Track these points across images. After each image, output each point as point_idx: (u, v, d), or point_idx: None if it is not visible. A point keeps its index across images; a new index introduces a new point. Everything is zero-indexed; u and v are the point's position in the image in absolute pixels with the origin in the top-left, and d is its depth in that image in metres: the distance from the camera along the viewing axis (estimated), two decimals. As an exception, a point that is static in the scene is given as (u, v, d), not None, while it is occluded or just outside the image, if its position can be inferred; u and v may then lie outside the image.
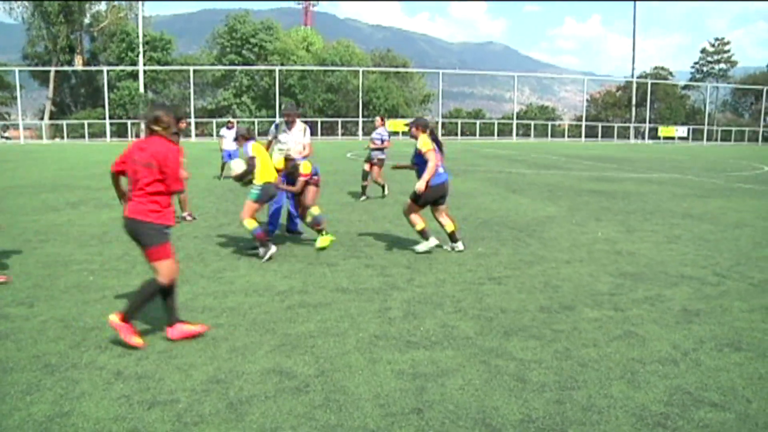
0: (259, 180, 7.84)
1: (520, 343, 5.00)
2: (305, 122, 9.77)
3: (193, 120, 67.77)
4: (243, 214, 7.89)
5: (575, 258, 8.03)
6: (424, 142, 8.07)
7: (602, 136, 70.72)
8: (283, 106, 9.37)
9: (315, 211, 8.61)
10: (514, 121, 72.69)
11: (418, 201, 8.16)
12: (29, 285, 6.70)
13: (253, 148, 7.92)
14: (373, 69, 75.64)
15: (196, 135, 68.34)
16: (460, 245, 8.38)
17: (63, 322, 5.45)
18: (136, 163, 4.87)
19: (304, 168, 8.54)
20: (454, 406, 3.94)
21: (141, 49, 68.44)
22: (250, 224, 7.85)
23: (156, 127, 4.93)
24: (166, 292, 5.07)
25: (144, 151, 4.87)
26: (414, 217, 8.25)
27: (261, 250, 7.89)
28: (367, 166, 14.57)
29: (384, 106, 70.34)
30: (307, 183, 8.66)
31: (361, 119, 69.71)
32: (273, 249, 7.90)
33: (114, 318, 4.91)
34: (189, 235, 9.53)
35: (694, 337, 5.21)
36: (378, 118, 15.26)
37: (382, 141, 14.59)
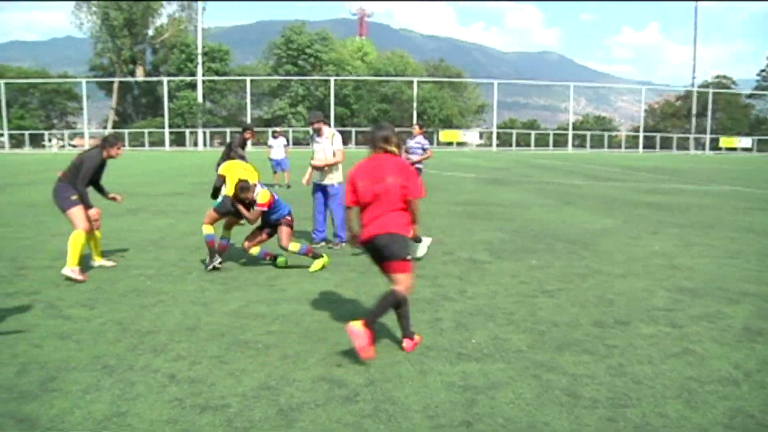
0: (227, 192, 8.00)
1: (572, 358, 4.91)
2: (341, 131, 9.90)
3: (249, 129, 69.16)
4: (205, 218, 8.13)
5: (630, 272, 7.85)
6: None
7: (660, 147, 69.11)
8: (310, 114, 9.42)
9: (294, 248, 7.88)
10: (570, 132, 71.73)
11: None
12: (91, 288, 6.93)
13: (223, 167, 8.24)
14: (428, 79, 75.79)
15: (252, 144, 69.45)
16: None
17: (121, 325, 5.61)
18: (375, 187, 5.00)
19: (261, 197, 7.83)
20: (504, 420, 3.89)
21: (200, 60, 70.28)
22: (206, 229, 7.94)
23: (386, 146, 5.17)
24: (399, 304, 5.05)
25: (380, 171, 5.03)
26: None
27: (207, 259, 7.89)
28: None
29: (438, 116, 70.37)
30: (279, 223, 7.98)
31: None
32: (217, 260, 7.79)
33: (356, 325, 4.77)
34: (241, 243, 9.69)
35: (758, 357, 5.00)
36: (416, 126, 13.90)
37: (424, 150, 13.47)
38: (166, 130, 65.88)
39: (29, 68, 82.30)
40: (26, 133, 68.60)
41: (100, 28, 73.58)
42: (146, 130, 67.76)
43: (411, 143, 13.41)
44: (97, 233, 8.16)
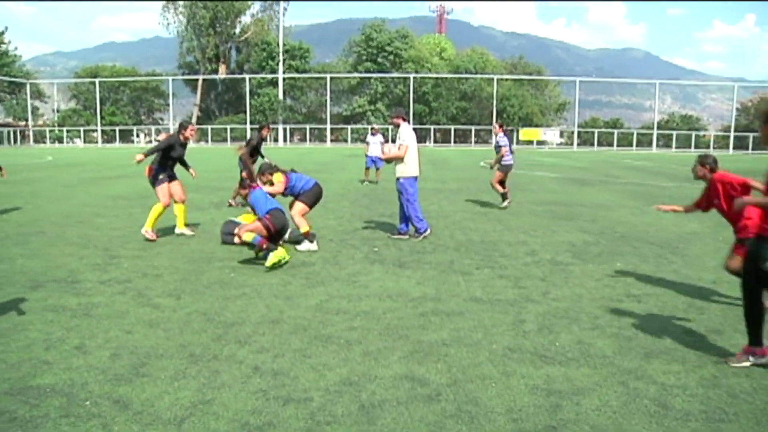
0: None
1: (661, 366, 4.72)
2: (419, 128, 10.13)
3: (328, 126, 70.04)
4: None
5: (722, 278, 7.49)
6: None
7: (753, 148, 65.83)
8: (394, 112, 9.53)
9: (248, 237, 7.91)
10: (655, 131, 69.28)
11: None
12: (177, 278, 7.17)
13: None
14: (508, 76, 74.74)
15: (331, 141, 70.39)
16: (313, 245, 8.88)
17: (206, 315, 5.78)
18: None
19: (245, 219, 9.03)
20: (590, 427, 3.78)
21: (281, 58, 71.76)
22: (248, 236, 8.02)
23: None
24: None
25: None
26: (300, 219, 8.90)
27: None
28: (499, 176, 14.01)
29: (518, 115, 69.23)
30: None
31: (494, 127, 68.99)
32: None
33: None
34: (324, 238, 9.82)
35: None
36: (496, 125, 14.31)
37: (500, 147, 13.90)
38: (248, 126, 67.51)
39: (121, 67, 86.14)
40: (117, 128, 71.75)
41: (186, 28, 76.17)
42: (228, 126, 69.71)
43: (498, 140, 14.06)
44: (182, 206, 10.00)
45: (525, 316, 5.85)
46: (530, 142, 68.78)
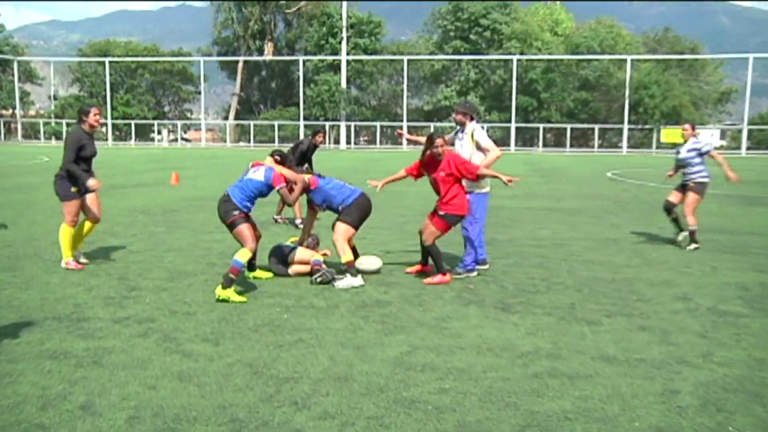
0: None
1: None
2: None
3: (405, 123, 70.33)
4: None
5: None
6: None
7: None
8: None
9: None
10: None
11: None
12: (214, 318, 7.31)
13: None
14: (647, 57, 73.61)
15: (408, 143, 70.66)
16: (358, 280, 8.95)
17: (252, 368, 5.84)
18: None
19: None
20: None
21: (344, 35, 72.39)
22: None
23: None
24: None
25: None
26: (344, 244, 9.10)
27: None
28: (674, 196, 12.76)
29: (660, 108, 67.75)
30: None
31: (626, 126, 67.85)
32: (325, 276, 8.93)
33: None
34: (399, 271, 9.83)
35: None
36: (687, 126, 12.85)
37: (702, 156, 12.41)
38: (301, 123, 68.53)
39: (138, 44, 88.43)
40: (132, 122, 73.34)
41: (222, -7, 78.01)
42: (276, 123, 70.71)
43: (683, 150, 12.63)
44: (91, 225, 10.08)
45: (679, 385, 5.66)
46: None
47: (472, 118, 9.76)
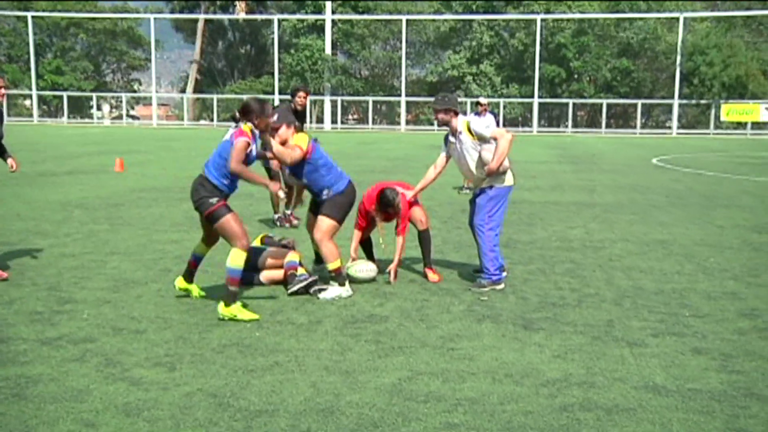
0: None
1: None
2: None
3: (403, 99, 70.31)
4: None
5: None
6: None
7: None
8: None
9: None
10: None
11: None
12: (169, 337, 7.31)
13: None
14: (704, 14, 73.58)
15: (408, 122, 70.78)
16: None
17: (216, 398, 5.84)
18: None
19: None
20: None
21: (329, -10, 72.10)
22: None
23: None
24: None
25: None
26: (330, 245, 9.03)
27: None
28: None
29: (720, 79, 67.27)
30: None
31: (677, 101, 67.78)
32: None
33: None
34: (399, 277, 9.86)
35: None
36: None
37: None
38: (276, 97, 68.16)
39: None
40: (64, 95, 72.99)
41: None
42: (245, 96, 70.43)
43: None
44: None
45: (746, 423, 5.68)
46: (740, 125, 67.29)
47: (456, 113, 9.64)
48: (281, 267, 9.28)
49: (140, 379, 6.22)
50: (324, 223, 8.95)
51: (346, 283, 9.01)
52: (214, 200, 7.95)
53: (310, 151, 8.90)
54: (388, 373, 6.45)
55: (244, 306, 8.05)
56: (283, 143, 8.85)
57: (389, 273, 9.76)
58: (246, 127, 8.13)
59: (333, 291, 8.82)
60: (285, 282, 9.14)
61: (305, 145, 8.88)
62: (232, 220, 7.98)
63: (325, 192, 9.03)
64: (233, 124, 8.27)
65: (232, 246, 7.96)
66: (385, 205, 9.60)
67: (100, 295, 8.79)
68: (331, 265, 8.90)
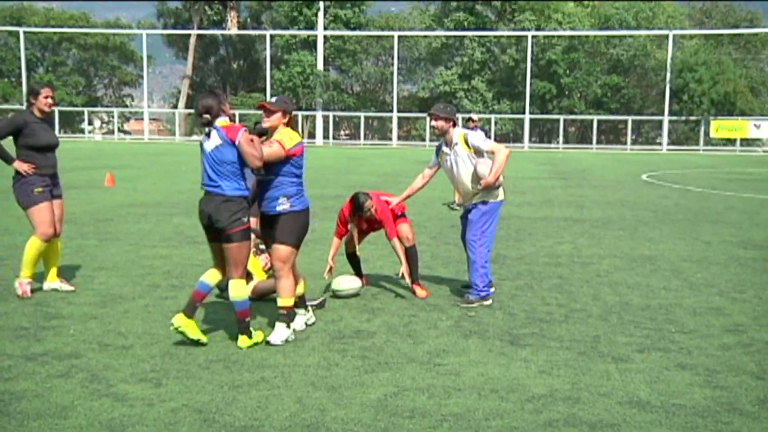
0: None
1: None
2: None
3: (395, 114, 70.42)
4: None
5: None
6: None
7: None
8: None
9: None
10: None
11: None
12: (155, 353, 7.31)
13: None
14: (693, 32, 73.87)
15: (400, 138, 70.87)
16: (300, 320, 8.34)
17: (202, 414, 5.83)
18: None
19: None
20: None
21: (321, 4, 72.35)
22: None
23: None
24: None
25: None
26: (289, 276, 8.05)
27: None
28: None
29: (710, 96, 67.51)
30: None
31: (666, 118, 68.00)
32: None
33: None
34: (385, 294, 9.85)
35: None
36: None
37: None
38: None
39: (62, 11, 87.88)
40: (55, 109, 73.05)
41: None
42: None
43: None
44: (55, 240, 9.65)
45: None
46: (728, 142, 67.54)
47: (455, 124, 9.69)
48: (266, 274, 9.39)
49: (125, 395, 6.21)
50: (282, 251, 7.88)
51: (296, 321, 8.21)
52: (246, 219, 7.55)
53: (299, 153, 8.03)
54: (374, 388, 6.46)
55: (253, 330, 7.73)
56: (273, 129, 8.03)
57: (402, 276, 9.94)
58: (225, 123, 7.65)
59: (281, 333, 7.82)
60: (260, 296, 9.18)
61: (291, 144, 7.88)
62: (250, 246, 7.79)
63: (281, 201, 7.89)
64: (206, 130, 7.74)
65: (235, 276, 7.57)
66: (358, 209, 9.64)
67: (87, 311, 8.78)
68: (283, 301, 7.94)
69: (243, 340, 7.58)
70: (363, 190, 9.94)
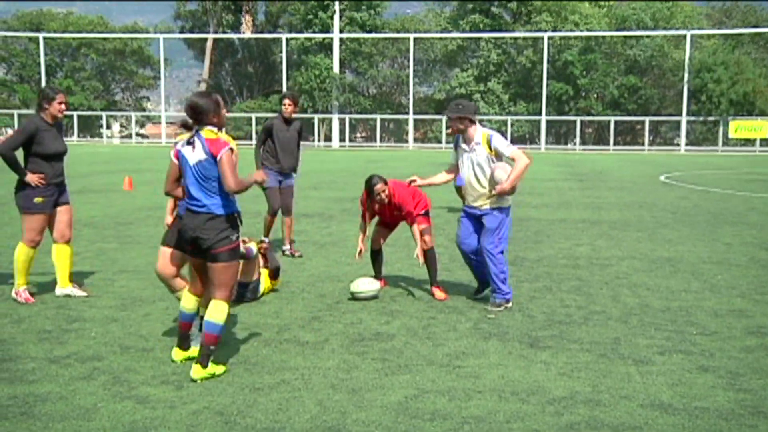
0: None
1: None
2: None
3: (411, 117, 70.27)
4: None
5: None
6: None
7: None
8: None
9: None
10: None
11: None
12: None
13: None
14: (711, 31, 73.46)
15: (416, 140, 70.71)
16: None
17: (223, 416, 5.85)
18: None
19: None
20: None
21: (337, 7, 72.25)
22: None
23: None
24: None
25: None
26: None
27: None
28: None
29: (729, 96, 67.05)
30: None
31: (685, 118, 67.61)
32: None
33: None
34: (403, 296, 9.86)
35: None
36: None
37: None
38: (285, 115, 68.43)
39: (81, 16, 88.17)
40: (74, 114, 73.16)
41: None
42: (254, 115, 70.41)
43: None
44: (64, 248, 9.65)
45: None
46: (747, 142, 67.09)
47: (473, 122, 9.35)
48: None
49: (147, 397, 6.24)
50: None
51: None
52: (234, 237, 6.87)
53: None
54: (394, 391, 6.46)
55: (216, 363, 6.88)
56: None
57: (417, 257, 9.88)
58: (210, 133, 6.84)
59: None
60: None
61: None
62: (238, 267, 7.23)
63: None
64: (181, 134, 7.20)
65: (218, 297, 6.87)
66: (370, 191, 9.81)
67: (108, 314, 8.83)
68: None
69: (196, 370, 6.68)
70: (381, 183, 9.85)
